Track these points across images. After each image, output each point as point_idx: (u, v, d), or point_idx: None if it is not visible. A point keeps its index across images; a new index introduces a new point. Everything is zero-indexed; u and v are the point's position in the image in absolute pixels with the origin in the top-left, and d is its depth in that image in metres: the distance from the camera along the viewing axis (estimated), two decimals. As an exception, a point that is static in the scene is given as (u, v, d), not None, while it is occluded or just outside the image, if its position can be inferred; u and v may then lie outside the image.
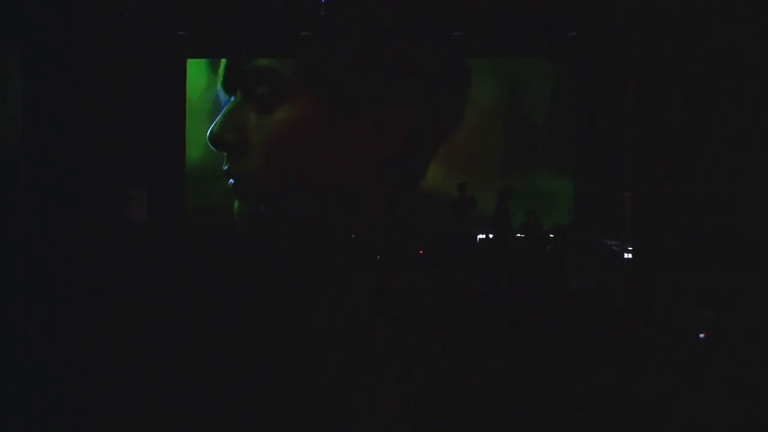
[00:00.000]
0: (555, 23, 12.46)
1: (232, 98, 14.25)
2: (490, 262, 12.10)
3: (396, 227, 13.19)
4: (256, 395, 6.55)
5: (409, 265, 12.82)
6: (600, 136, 13.66)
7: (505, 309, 9.48)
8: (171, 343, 8.03)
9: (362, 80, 14.40)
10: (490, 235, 13.07)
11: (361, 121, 14.40)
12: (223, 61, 14.11)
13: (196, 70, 14.39)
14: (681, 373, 6.81)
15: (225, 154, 14.37)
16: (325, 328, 8.51)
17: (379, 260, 13.34)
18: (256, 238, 13.36)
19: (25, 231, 10.07)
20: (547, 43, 13.20)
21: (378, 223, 13.80)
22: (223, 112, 14.26)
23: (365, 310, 9.29)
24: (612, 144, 13.15)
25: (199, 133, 14.54)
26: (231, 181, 14.31)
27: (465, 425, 6.01)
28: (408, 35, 12.94)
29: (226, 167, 14.28)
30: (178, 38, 12.15)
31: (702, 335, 7.62)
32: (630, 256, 10.59)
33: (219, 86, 14.49)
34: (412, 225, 13.28)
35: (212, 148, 14.19)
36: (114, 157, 11.18)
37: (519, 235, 12.74)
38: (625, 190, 11.35)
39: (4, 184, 10.04)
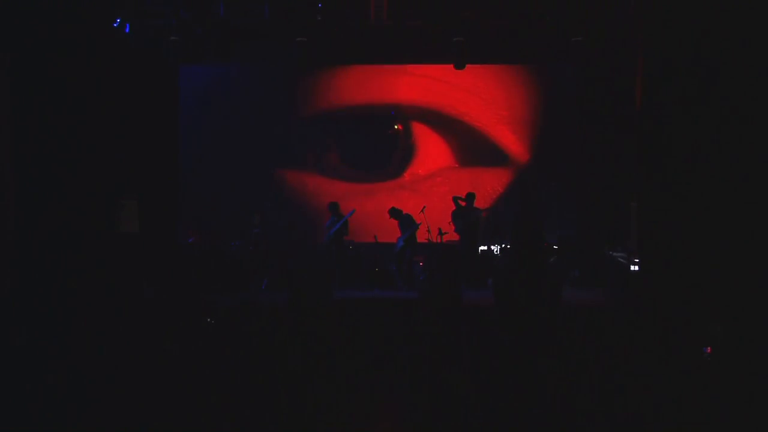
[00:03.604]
0: (558, 28, 12.24)
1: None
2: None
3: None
4: (252, 401, 6.63)
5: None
6: (604, 143, 13.47)
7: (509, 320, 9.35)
8: (163, 354, 8.11)
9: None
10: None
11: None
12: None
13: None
14: (686, 384, 6.80)
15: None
16: (321, 338, 8.65)
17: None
18: (250, 249, 13.22)
19: (14, 241, 9.84)
20: (551, 48, 12.99)
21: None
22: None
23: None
24: (617, 152, 12.94)
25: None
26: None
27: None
28: (408, 40, 12.75)
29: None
30: (171, 43, 11.93)
31: (707, 349, 7.56)
32: (636, 267, 10.38)
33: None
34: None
35: None
36: (105, 166, 10.98)
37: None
38: (631, 200, 11.12)
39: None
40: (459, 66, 12.56)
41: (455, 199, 12.99)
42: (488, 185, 14.05)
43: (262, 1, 11.55)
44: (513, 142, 14.32)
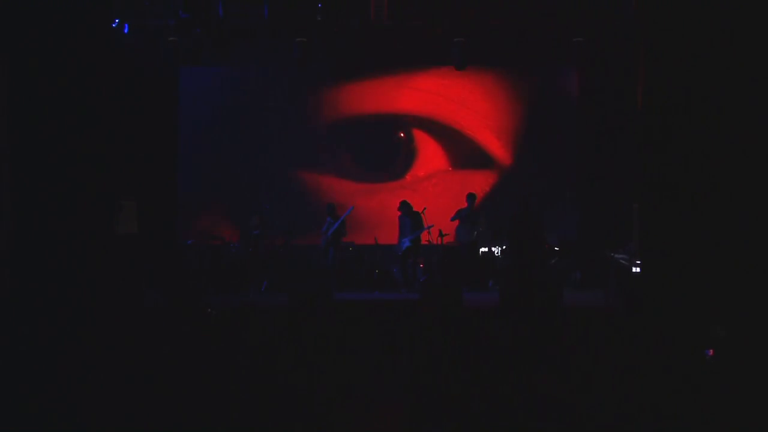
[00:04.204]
0: (560, 29, 12.20)
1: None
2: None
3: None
4: (252, 403, 6.61)
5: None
6: (606, 144, 13.42)
7: (510, 323, 9.41)
8: (161, 357, 8.04)
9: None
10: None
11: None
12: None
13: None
14: (689, 389, 6.71)
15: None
16: (321, 340, 8.64)
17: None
18: (250, 251, 13.18)
19: (12, 241, 9.79)
20: (552, 49, 12.94)
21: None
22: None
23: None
24: (618, 153, 12.90)
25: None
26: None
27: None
28: (408, 41, 12.73)
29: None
30: (170, 44, 11.90)
31: (709, 352, 7.50)
32: (638, 269, 10.32)
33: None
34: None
35: None
36: (103, 167, 10.93)
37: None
38: (633, 201, 11.07)
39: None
40: (459, 66, 12.53)
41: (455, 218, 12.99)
42: (477, 186, 14.35)
43: (261, 2, 11.50)
44: (498, 147, 14.90)
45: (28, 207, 9.94)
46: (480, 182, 14.59)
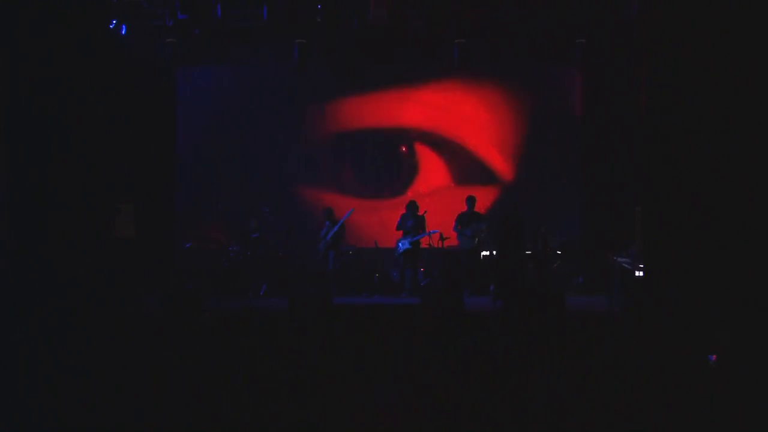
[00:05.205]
0: (562, 31, 12.15)
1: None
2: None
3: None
4: (251, 407, 6.59)
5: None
6: (609, 147, 13.38)
7: (510, 327, 9.41)
8: (159, 361, 8.03)
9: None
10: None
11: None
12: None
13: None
14: (692, 394, 6.71)
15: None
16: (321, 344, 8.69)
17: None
18: (248, 254, 13.12)
19: (9, 244, 9.73)
20: (555, 50, 12.90)
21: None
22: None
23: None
24: (621, 156, 12.85)
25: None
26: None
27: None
28: (409, 42, 12.67)
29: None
30: (168, 45, 11.83)
31: (713, 357, 7.48)
32: (641, 273, 10.26)
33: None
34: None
35: None
36: (100, 169, 10.87)
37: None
38: (636, 204, 11.03)
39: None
40: (461, 69, 12.52)
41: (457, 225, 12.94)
42: (480, 201, 13.89)
43: (260, 2, 11.44)
44: (500, 159, 14.94)
45: (24, 209, 9.89)
46: (482, 197, 14.28)
